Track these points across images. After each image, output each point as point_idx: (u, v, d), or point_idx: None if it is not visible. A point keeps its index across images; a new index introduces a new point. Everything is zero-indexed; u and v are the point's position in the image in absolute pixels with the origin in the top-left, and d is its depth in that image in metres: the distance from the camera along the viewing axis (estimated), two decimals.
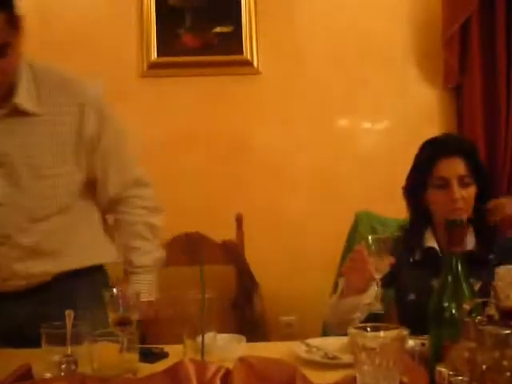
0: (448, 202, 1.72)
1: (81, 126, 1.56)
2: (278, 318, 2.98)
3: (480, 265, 1.50)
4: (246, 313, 2.48)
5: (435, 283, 1.17)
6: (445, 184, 1.73)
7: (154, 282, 1.73)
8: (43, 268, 1.61)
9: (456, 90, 3.07)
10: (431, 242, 1.79)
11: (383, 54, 3.10)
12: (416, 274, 1.76)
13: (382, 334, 0.97)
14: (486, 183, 1.78)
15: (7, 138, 1.52)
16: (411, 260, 1.79)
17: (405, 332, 0.98)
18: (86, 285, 1.64)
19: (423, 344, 1.24)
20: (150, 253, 1.72)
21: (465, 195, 1.72)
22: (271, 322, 2.77)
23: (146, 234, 1.71)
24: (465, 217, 1.70)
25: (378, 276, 1.55)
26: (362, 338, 0.94)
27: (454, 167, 1.74)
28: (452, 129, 3.03)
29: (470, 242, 1.74)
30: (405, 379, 1.05)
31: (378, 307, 1.56)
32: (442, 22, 3.00)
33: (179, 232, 2.64)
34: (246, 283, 2.55)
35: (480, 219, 1.78)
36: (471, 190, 1.74)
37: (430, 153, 1.79)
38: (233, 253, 2.56)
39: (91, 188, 1.68)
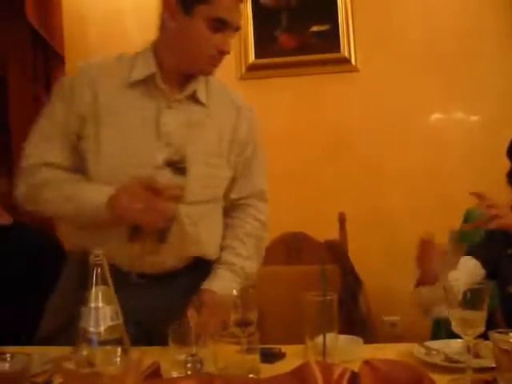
0: None
1: (236, 129, 1.68)
2: (381, 317, 2.94)
3: None
4: (351, 312, 2.46)
5: None
6: None
7: (235, 286, 1.59)
8: (183, 249, 1.63)
9: None
10: None
11: (480, 48, 3.01)
12: None
13: None
14: None
15: (181, 120, 1.61)
16: (510, 251, 1.72)
17: None
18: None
19: None
20: (241, 256, 1.68)
21: None
22: (375, 321, 2.73)
23: (249, 242, 1.70)
24: None
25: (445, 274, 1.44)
26: (504, 343, 0.91)
27: None
28: None
29: None
30: None
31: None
32: None
33: (282, 232, 2.65)
34: (351, 282, 2.53)
35: None
36: None
37: None
38: (336, 252, 2.55)
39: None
